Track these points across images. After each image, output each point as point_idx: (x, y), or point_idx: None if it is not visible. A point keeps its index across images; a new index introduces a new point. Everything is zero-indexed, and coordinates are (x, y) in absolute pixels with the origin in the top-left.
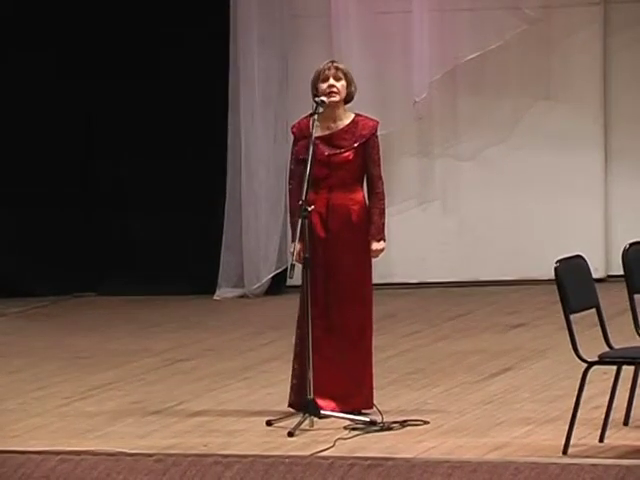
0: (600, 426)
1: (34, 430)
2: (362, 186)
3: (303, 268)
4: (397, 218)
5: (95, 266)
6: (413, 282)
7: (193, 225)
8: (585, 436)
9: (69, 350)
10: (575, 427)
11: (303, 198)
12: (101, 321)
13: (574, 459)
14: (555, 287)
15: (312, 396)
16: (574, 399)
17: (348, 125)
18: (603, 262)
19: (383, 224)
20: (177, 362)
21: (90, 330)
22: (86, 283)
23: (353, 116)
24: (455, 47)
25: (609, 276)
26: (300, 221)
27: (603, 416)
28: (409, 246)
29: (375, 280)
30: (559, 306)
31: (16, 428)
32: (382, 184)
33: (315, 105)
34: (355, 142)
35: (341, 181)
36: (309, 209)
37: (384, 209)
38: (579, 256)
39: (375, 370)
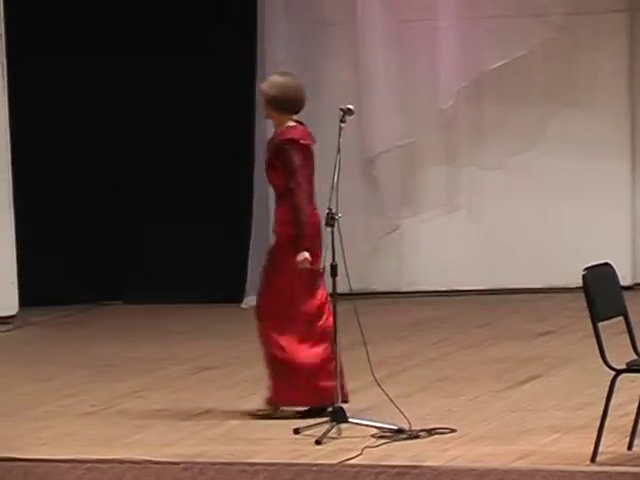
0: (628, 434)
1: (61, 438)
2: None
3: (330, 276)
4: (424, 226)
5: (122, 275)
6: (440, 290)
7: (220, 233)
8: (613, 444)
9: (96, 358)
10: (603, 435)
11: (330, 206)
12: (128, 329)
13: (602, 467)
14: (583, 295)
15: (339, 404)
16: (602, 407)
17: (272, 137)
18: (630, 270)
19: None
20: (204, 370)
21: (117, 338)
22: (112, 292)
23: (285, 127)
24: (481, 55)
25: (636, 284)
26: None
27: (631, 424)
28: (436, 254)
29: (402, 288)
30: (586, 314)
31: (43, 436)
32: (296, 194)
33: (342, 113)
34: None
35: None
36: (337, 217)
37: (297, 219)
38: (607, 264)
39: (403, 377)
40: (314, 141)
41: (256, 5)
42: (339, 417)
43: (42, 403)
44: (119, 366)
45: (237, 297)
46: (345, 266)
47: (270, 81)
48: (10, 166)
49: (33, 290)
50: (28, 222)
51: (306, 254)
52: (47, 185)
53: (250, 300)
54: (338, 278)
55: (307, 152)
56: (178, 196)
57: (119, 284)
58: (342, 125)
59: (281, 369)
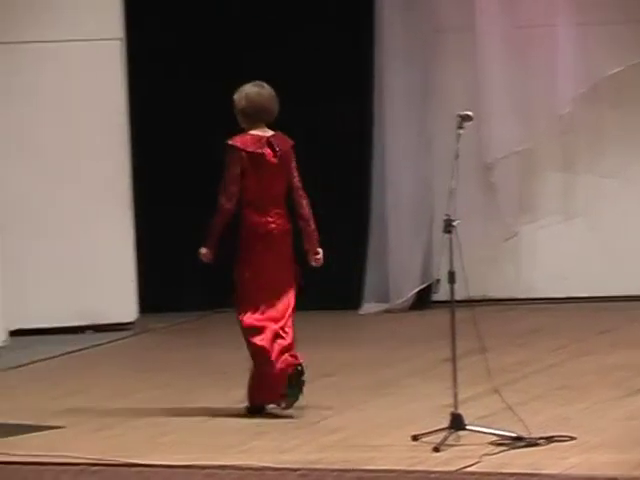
0: None
1: (179, 444)
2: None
3: (449, 282)
4: (540, 233)
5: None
6: (556, 297)
7: (338, 240)
8: None
9: (214, 365)
10: None
11: (448, 212)
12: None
13: None
14: None
15: (457, 411)
16: None
17: None
18: None
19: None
20: (321, 377)
21: (234, 345)
22: (230, 299)
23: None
24: (598, 61)
25: None
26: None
27: None
28: (552, 261)
29: (518, 295)
30: None
31: (161, 442)
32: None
33: (460, 119)
34: None
35: None
36: (455, 223)
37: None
38: None
39: (521, 385)
40: (274, 149)
41: (373, 11)
42: (458, 424)
43: (160, 409)
44: (237, 372)
45: (354, 303)
46: (463, 273)
47: (240, 92)
48: (130, 177)
49: (152, 297)
50: (147, 229)
51: (203, 249)
52: (166, 192)
53: (368, 307)
54: (456, 285)
55: (254, 160)
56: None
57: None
58: (460, 131)
59: None
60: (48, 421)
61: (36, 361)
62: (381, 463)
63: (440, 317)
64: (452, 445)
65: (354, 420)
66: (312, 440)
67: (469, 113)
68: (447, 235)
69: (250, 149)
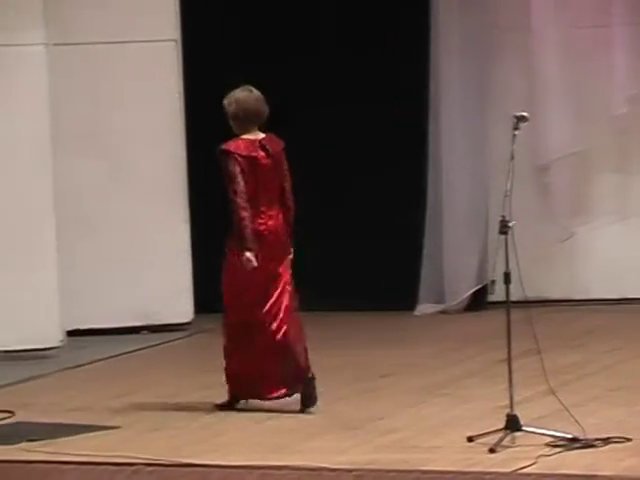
0: None
1: (234, 445)
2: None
3: (504, 283)
4: (595, 234)
5: (295, 282)
6: (611, 298)
7: (393, 240)
8: None
9: None
10: None
11: (503, 213)
12: None
13: None
14: None
15: (513, 412)
16: None
17: None
18: None
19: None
20: (376, 378)
21: None
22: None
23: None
24: None
25: None
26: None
27: None
28: (607, 262)
29: (573, 296)
30: None
31: (217, 442)
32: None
33: (516, 120)
34: None
35: None
36: (510, 224)
37: (235, 223)
38: None
39: (576, 386)
40: (267, 151)
41: (429, 9)
42: (513, 425)
43: (216, 410)
44: None
45: (410, 304)
46: (519, 273)
47: (229, 97)
48: (186, 177)
49: (208, 297)
50: (204, 230)
51: (248, 254)
52: (222, 192)
53: (423, 308)
54: (512, 285)
55: (248, 163)
56: (349, 202)
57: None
58: (516, 132)
59: None
60: (104, 421)
61: (93, 361)
62: (436, 464)
63: (495, 318)
64: (508, 446)
65: (410, 421)
66: (368, 441)
67: (525, 114)
68: (503, 236)
69: (244, 153)
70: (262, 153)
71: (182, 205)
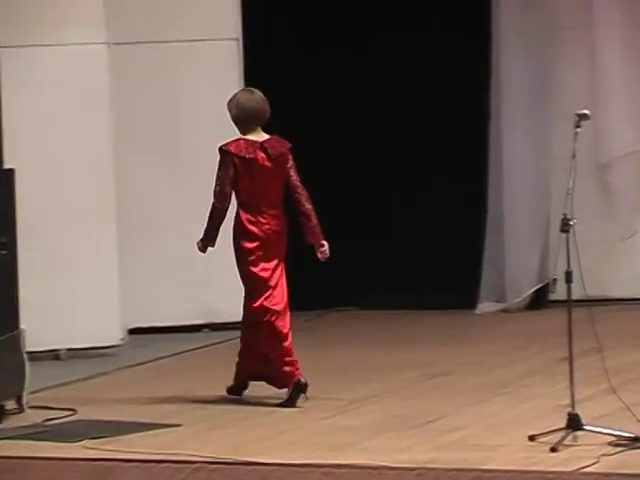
0: None
1: (296, 443)
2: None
3: (566, 282)
4: None
5: (357, 281)
6: None
7: (454, 239)
8: None
9: (331, 363)
10: None
11: (565, 211)
12: (362, 335)
13: None
14: None
15: (574, 411)
16: None
17: None
18: None
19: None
20: (437, 376)
21: (351, 344)
22: (348, 298)
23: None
24: None
25: None
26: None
27: None
28: None
29: (635, 294)
30: None
31: (278, 440)
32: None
33: (578, 118)
34: None
35: None
36: (571, 222)
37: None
38: None
39: (638, 385)
40: (268, 153)
41: (490, 9)
42: (575, 424)
43: (277, 408)
44: (354, 371)
45: (471, 303)
46: (580, 272)
47: (232, 100)
48: None
49: None
50: None
51: (200, 243)
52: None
53: (485, 306)
54: (573, 284)
55: (247, 164)
56: (410, 200)
57: (355, 290)
58: (578, 130)
59: None
60: (165, 419)
61: (154, 359)
62: (498, 463)
63: (557, 316)
64: (569, 445)
65: (470, 419)
66: (428, 439)
67: (587, 112)
68: (564, 234)
69: (242, 154)
70: (262, 155)
71: None
